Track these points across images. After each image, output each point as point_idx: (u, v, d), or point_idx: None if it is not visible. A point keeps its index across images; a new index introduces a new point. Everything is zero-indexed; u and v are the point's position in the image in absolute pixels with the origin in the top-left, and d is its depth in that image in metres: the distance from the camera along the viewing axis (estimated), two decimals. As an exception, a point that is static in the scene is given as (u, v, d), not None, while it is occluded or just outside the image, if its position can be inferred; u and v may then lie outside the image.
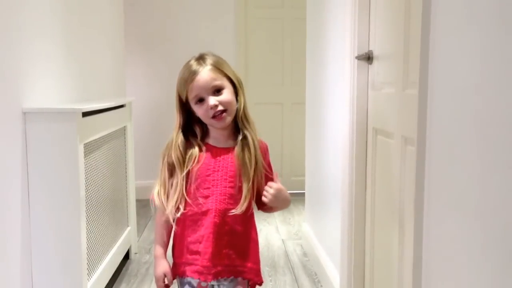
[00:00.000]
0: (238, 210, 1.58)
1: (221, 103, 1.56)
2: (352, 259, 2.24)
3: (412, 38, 1.61)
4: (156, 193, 1.63)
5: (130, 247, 3.30)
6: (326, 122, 2.91)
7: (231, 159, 1.61)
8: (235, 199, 1.60)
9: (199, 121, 1.64)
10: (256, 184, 1.62)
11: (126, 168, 3.18)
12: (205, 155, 1.61)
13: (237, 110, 1.62)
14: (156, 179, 1.66)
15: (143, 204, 3.88)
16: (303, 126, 3.73)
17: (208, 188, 1.60)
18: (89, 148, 2.28)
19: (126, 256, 3.23)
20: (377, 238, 2.05)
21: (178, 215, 1.60)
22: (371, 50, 2.07)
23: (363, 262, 2.21)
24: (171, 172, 1.62)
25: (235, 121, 1.64)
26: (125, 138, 3.13)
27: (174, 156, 1.60)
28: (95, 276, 2.34)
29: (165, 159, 1.63)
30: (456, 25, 1.20)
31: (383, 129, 1.95)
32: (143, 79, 4.94)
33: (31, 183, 2.03)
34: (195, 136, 1.64)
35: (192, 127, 1.65)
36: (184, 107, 1.62)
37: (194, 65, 1.59)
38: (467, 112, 1.13)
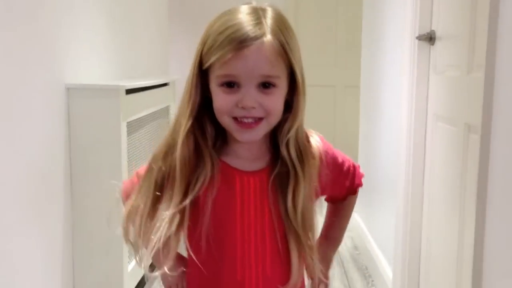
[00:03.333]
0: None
1: (263, 106, 1.01)
2: (406, 254, 2.23)
3: (479, 16, 1.58)
4: (128, 210, 1.10)
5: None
6: (382, 107, 2.89)
7: (265, 193, 1.08)
8: (277, 264, 1.10)
9: (212, 119, 1.07)
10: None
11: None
12: (218, 179, 1.06)
13: (284, 123, 1.06)
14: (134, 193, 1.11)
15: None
16: (357, 110, 3.71)
17: (229, 242, 1.08)
18: (132, 127, 2.33)
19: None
20: (434, 233, 2.04)
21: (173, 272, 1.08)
22: (434, 30, 2.04)
23: (418, 258, 2.20)
24: (161, 188, 1.07)
25: (272, 133, 1.09)
26: (168, 118, 3.18)
27: (180, 158, 1.04)
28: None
29: (158, 164, 1.08)
30: (530, 3, 1.18)
31: (444, 115, 1.93)
32: (187, 58, 4.99)
33: (73, 161, 2.10)
34: (204, 139, 1.07)
35: (201, 123, 1.08)
36: (200, 82, 1.08)
37: (247, 22, 1.00)
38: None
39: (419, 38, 2.09)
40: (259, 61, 0.99)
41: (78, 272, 2.16)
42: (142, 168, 1.15)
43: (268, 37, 0.99)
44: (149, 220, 1.06)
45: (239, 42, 0.98)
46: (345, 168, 1.21)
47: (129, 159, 2.29)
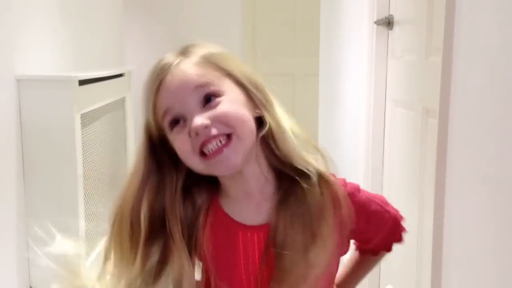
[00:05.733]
0: None
1: (217, 119, 0.90)
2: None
3: (437, 0, 1.61)
4: None
5: (130, 227, 3.34)
6: (341, 93, 2.91)
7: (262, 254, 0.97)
8: None
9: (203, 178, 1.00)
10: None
11: (125, 144, 3.20)
12: (210, 225, 0.99)
13: (273, 141, 0.96)
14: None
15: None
16: (316, 99, 3.73)
17: None
18: (86, 120, 2.30)
19: (125, 237, 3.27)
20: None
21: None
22: (392, 15, 2.07)
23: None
24: (151, 233, 0.95)
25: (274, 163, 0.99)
26: (124, 110, 3.15)
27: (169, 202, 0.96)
28: (93, 255, 2.38)
29: (136, 208, 0.96)
30: (484, -15, 1.20)
31: (403, 100, 1.96)
32: (143, 47, 4.94)
33: (25, 156, 2.06)
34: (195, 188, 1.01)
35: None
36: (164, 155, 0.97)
37: (167, 57, 0.96)
38: (495, 81, 1.13)
39: (377, 22, 2.11)
40: (186, 77, 0.92)
41: (34, 268, 2.12)
42: None
43: (191, 57, 0.94)
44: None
45: (157, 74, 0.93)
46: (379, 218, 1.08)
47: (84, 153, 2.25)
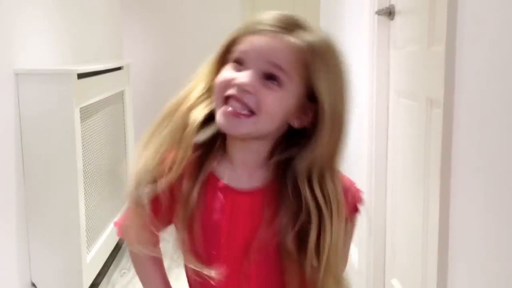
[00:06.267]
0: None
1: (257, 97, 0.93)
2: (371, 231, 2.26)
3: (439, -11, 1.60)
4: (127, 227, 1.06)
5: (130, 221, 3.34)
6: (342, 85, 2.90)
7: (257, 216, 1.01)
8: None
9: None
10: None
11: (125, 138, 3.20)
12: (206, 190, 1.02)
13: (298, 151, 0.98)
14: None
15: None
16: (317, 90, 3.73)
17: (215, 260, 1.02)
18: (86, 113, 2.30)
19: (126, 231, 3.27)
20: (399, 209, 2.07)
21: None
22: (393, 5, 2.06)
23: (383, 233, 2.24)
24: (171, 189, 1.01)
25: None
26: (123, 103, 3.14)
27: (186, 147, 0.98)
28: (94, 249, 2.38)
29: (164, 155, 1.00)
30: (489, -27, 1.19)
31: (406, 90, 1.96)
32: (141, 41, 4.93)
33: (25, 150, 2.05)
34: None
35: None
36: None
37: (274, 17, 0.97)
38: (498, 70, 1.13)
39: (379, 12, 2.10)
40: (275, 47, 0.93)
41: (35, 264, 2.13)
42: (133, 199, 1.02)
43: (292, 35, 0.95)
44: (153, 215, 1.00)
45: (261, 28, 0.95)
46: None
47: (84, 146, 2.25)
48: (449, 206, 1.38)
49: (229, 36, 0.99)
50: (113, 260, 2.91)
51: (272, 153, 1.01)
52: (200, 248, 1.01)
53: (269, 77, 0.93)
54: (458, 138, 1.34)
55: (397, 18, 2.04)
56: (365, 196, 2.20)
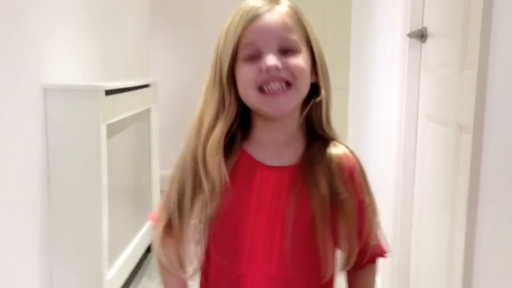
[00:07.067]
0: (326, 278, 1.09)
1: (288, 68, 1.00)
2: (396, 256, 2.23)
3: (473, 13, 1.59)
4: (160, 230, 1.13)
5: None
6: (371, 107, 2.89)
7: (284, 192, 1.06)
8: (300, 262, 1.08)
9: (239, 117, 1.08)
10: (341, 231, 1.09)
11: (150, 155, 3.22)
12: (236, 172, 1.06)
13: (315, 107, 1.11)
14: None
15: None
16: (345, 113, 3.72)
17: (240, 235, 1.07)
18: (112, 130, 2.32)
19: (148, 250, 3.29)
20: (424, 236, 2.04)
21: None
22: (425, 27, 2.05)
23: (408, 259, 2.21)
24: (195, 187, 1.08)
25: (305, 122, 1.11)
26: (149, 121, 3.17)
27: (212, 164, 1.03)
28: (115, 267, 2.39)
29: (190, 159, 1.08)
30: (523, -2, 1.18)
31: (435, 115, 1.94)
32: (169, 59, 4.98)
33: (51, 165, 2.08)
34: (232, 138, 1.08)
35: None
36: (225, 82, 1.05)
37: (259, 2, 1.04)
38: (532, 95, 1.12)
39: (410, 35, 2.09)
40: (275, 24, 1.01)
41: (56, 280, 2.14)
42: (170, 187, 1.16)
43: (282, 5, 1.04)
44: (188, 220, 1.08)
45: (254, 12, 1.01)
46: (373, 217, 1.17)
47: (109, 163, 2.27)
48: (475, 234, 1.36)
49: (230, 43, 1.04)
50: (135, 277, 2.91)
51: (298, 126, 1.10)
52: (227, 227, 1.07)
53: (285, 51, 1.01)
54: (487, 165, 1.32)
55: (429, 40, 2.03)
56: (390, 220, 2.19)
